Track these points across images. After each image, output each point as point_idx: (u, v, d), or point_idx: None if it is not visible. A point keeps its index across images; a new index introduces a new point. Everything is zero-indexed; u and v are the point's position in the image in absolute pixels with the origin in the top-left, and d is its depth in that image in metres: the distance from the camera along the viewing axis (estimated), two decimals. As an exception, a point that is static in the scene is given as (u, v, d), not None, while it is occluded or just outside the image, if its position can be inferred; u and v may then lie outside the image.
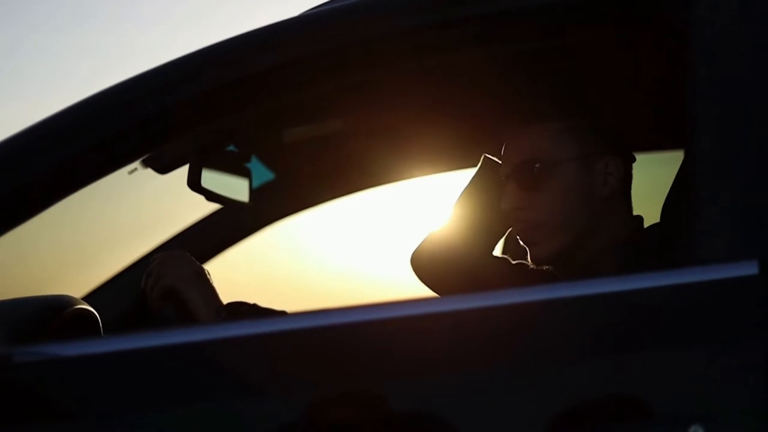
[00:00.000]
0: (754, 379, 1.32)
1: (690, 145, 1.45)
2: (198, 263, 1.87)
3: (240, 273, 3.11)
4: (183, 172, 2.21)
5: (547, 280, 1.89)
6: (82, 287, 2.69)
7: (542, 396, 1.37)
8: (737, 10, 1.48)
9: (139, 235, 2.91)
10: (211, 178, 2.20)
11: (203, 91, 1.58)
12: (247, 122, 2.27)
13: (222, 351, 1.45)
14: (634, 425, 1.36)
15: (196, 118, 1.64)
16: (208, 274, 1.87)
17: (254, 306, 1.81)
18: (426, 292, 2.09)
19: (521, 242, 1.88)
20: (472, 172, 2.11)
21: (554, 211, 1.82)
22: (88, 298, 2.65)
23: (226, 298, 1.94)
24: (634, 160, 1.91)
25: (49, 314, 1.69)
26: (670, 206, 1.80)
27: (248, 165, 2.37)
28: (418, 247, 2.09)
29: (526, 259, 1.93)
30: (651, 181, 2.13)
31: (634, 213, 1.91)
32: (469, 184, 2.05)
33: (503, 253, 2.28)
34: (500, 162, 1.94)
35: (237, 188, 2.32)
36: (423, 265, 2.08)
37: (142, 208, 3.01)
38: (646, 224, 1.89)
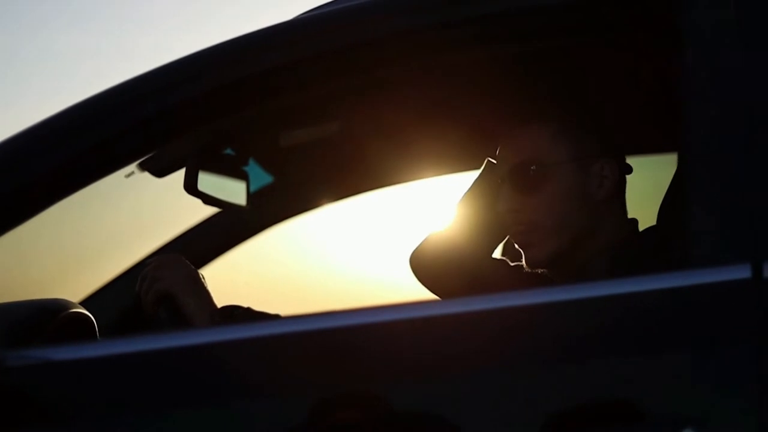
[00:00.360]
0: (746, 382, 1.32)
1: (684, 147, 1.45)
2: (192, 267, 1.87)
3: (239, 276, 3.11)
4: (181, 175, 2.21)
5: (543, 282, 1.89)
6: (81, 291, 2.69)
7: (535, 399, 1.37)
8: (733, 12, 1.48)
9: (138, 238, 2.91)
10: (208, 182, 2.20)
11: (203, 92, 1.59)
12: (246, 125, 2.27)
13: (216, 354, 1.45)
14: (626, 428, 1.35)
15: (196, 119, 1.65)
16: (203, 277, 1.87)
17: (248, 309, 1.81)
18: (422, 294, 2.09)
19: (516, 245, 1.88)
20: (470, 174, 2.11)
21: (550, 213, 1.82)
22: (86, 302, 2.66)
23: (225, 301, 1.94)
24: (629, 170, 1.91)
25: (43, 318, 1.69)
26: (666, 209, 1.79)
27: (246, 168, 2.37)
28: (417, 248, 2.09)
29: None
30: (649, 183, 2.13)
31: (633, 215, 1.91)
32: (471, 186, 2.05)
33: (503, 255, 2.28)
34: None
35: (234, 191, 2.31)
36: (422, 266, 2.08)
37: (140, 212, 3.01)
38: (643, 227, 1.88)
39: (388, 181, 2.71)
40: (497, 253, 2.22)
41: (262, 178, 2.66)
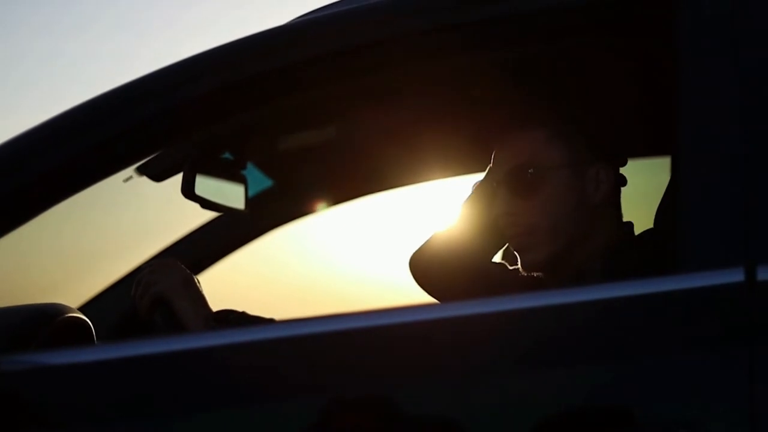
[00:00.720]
0: (739, 385, 1.31)
1: (677, 150, 1.45)
2: (187, 271, 1.87)
3: (240, 279, 3.11)
4: (179, 179, 2.21)
5: (539, 286, 1.89)
6: (80, 296, 2.70)
7: (530, 402, 1.37)
8: (726, 14, 1.48)
9: (137, 243, 2.91)
10: (205, 186, 2.20)
11: (203, 94, 1.60)
12: (246, 129, 2.27)
13: (211, 359, 1.45)
14: (620, 431, 1.35)
15: (195, 121, 1.65)
16: (198, 282, 1.87)
17: (243, 314, 1.81)
18: (419, 298, 2.09)
19: (512, 248, 1.87)
20: (469, 177, 2.11)
21: (546, 217, 1.82)
22: (86, 307, 2.66)
23: (226, 305, 1.94)
24: (624, 162, 1.90)
25: (39, 323, 1.69)
26: (663, 212, 1.79)
27: (244, 172, 2.37)
28: (417, 251, 2.09)
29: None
30: (650, 186, 2.13)
31: (632, 218, 1.91)
32: (473, 191, 2.05)
33: (503, 259, 2.27)
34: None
35: (232, 195, 2.32)
36: (421, 270, 2.08)
37: (138, 216, 3.01)
38: (642, 229, 1.88)
39: (386, 185, 2.71)
40: (497, 257, 2.22)
41: (260, 182, 2.66)
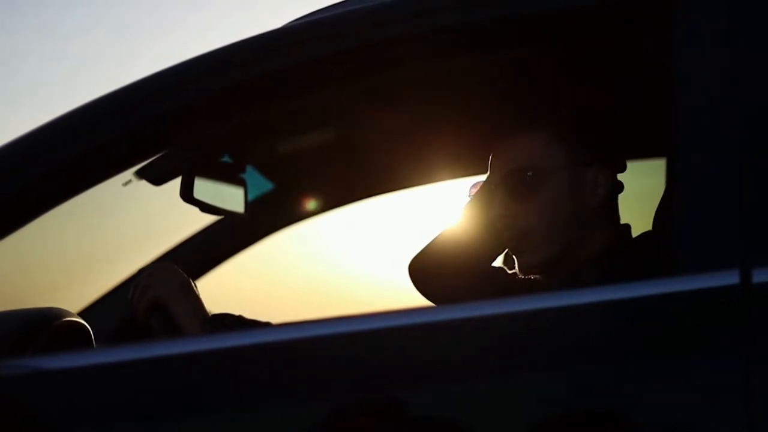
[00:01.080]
0: (734, 388, 1.31)
1: (672, 152, 1.45)
2: (184, 275, 1.87)
3: (240, 282, 3.11)
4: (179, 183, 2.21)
5: (536, 289, 1.89)
6: (81, 300, 2.70)
7: (524, 405, 1.37)
8: (723, 16, 1.48)
9: (138, 247, 2.92)
10: (204, 189, 2.20)
11: (202, 96, 1.60)
12: (245, 132, 2.28)
13: (207, 362, 1.45)
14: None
15: (196, 123, 1.65)
16: (195, 286, 1.87)
17: (239, 318, 1.81)
18: (414, 302, 2.09)
19: (509, 251, 1.87)
20: (468, 180, 2.11)
21: (543, 220, 1.81)
22: (88, 311, 2.67)
23: (226, 309, 1.94)
24: (623, 168, 1.90)
25: (37, 327, 1.69)
26: (661, 214, 1.79)
27: (243, 175, 2.37)
28: (417, 256, 2.09)
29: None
30: (649, 188, 2.13)
31: (634, 220, 1.90)
32: (472, 193, 2.05)
33: (504, 263, 2.27)
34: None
35: (231, 199, 2.32)
36: (421, 274, 2.08)
37: (138, 220, 3.01)
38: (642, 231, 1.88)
39: (386, 187, 2.71)
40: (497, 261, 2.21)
41: (260, 185, 2.66)
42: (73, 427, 1.44)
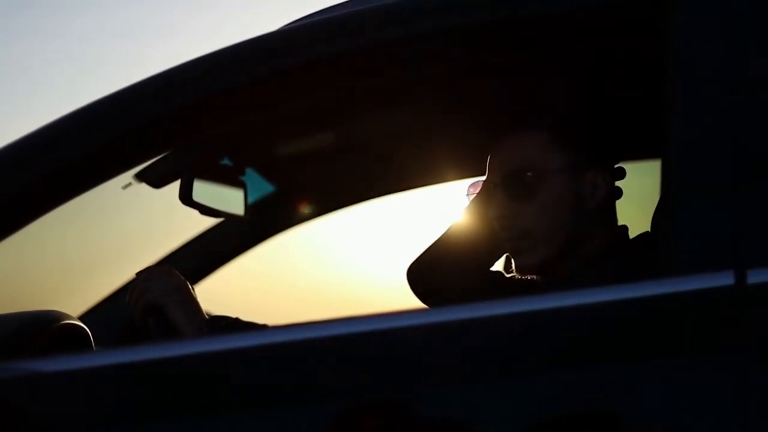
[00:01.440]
0: (729, 389, 1.31)
1: (667, 152, 1.45)
2: (182, 278, 1.87)
3: (240, 285, 3.11)
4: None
5: (534, 291, 1.89)
6: (82, 304, 2.70)
7: (523, 406, 1.37)
8: (717, 17, 1.47)
9: (139, 250, 2.92)
10: (203, 192, 2.21)
11: (201, 98, 1.60)
12: (244, 134, 2.28)
13: (204, 365, 1.45)
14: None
15: (195, 125, 1.66)
16: (192, 289, 1.88)
17: (236, 320, 1.81)
18: (411, 303, 2.08)
19: (507, 251, 1.87)
20: (466, 182, 2.10)
21: (541, 221, 1.81)
22: (90, 314, 2.67)
23: (227, 311, 1.94)
24: (623, 176, 1.90)
25: (35, 330, 1.69)
26: (658, 215, 1.79)
27: (243, 178, 2.37)
28: (415, 261, 2.08)
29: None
30: (652, 189, 2.12)
31: (635, 221, 1.90)
32: (474, 198, 2.04)
33: (505, 266, 2.27)
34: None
35: (231, 202, 2.32)
36: (419, 279, 2.07)
37: (140, 224, 3.02)
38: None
39: (385, 189, 2.71)
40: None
41: (261, 187, 2.67)
42: (71, 430, 1.44)
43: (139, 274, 1.89)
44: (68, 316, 1.82)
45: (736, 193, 1.40)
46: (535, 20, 1.61)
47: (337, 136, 2.43)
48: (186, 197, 2.15)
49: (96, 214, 2.60)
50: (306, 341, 1.44)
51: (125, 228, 3.04)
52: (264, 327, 1.69)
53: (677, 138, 1.45)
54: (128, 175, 2.24)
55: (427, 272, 2.06)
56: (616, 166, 1.90)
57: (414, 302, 2.08)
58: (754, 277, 1.34)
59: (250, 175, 2.47)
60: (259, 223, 2.77)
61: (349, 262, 3.94)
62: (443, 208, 2.68)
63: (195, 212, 2.23)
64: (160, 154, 2.00)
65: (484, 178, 1.97)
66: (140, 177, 2.28)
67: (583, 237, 1.82)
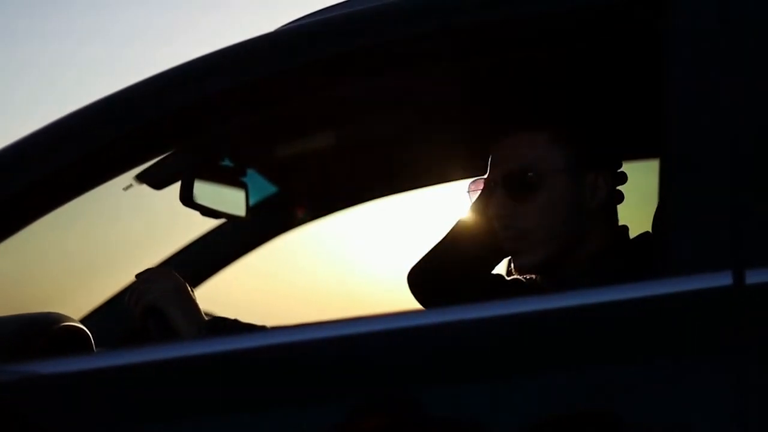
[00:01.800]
0: (727, 390, 1.31)
1: (665, 153, 1.45)
2: (181, 280, 1.87)
3: (241, 286, 3.11)
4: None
5: (534, 292, 1.88)
6: (84, 305, 2.70)
7: (521, 407, 1.36)
8: (715, 17, 1.47)
9: (141, 252, 2.92)
10: (204, 193, 2.21)
11: (199, 101, 1.60)
12: (244, 135, 2.28)
13: (203, 366, 1.45)
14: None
15: (195, 126, 1.66)
16: (192, 290, 1.88)
17: (235, 321, 1.81)
18: (409, 305, 2.08)
19: (506, 250, 1.87)
20: (468, 181, 2.10)
21: (541, 221, 1.81)
22: (92, 316, 2.67)
23: (229, 312, 1.94)
24: (624, 180, 1.89)
25: (34, 332, 1.69)
26: (659, 215, 1.79)
27: (244, 179, 2.37)
28: (416, 265, 2.08)
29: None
30: (652, 188, 2.12)
31: (637, 221, 1.90)
32: (475, 200, 2.04)
33: (507, 270, 2.27)
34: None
35: (232, 203, 2.32)
36: (420, 283, 2.07)
37: (141, 225, 3.02)
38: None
39: (387, 190, 2.71)
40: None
41: (262, 188, 2.67)
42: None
43: (138, 275, 1.89)
44: (68, 318, 1.82)
45: (734, 194, 1.39)
46: (535, 20, 1.60)
47: (337, 137, 2.43)
48: (187, 198, 2.15)
49: (97, 216, 2.60)
50: (305, 343, 1.44)
51: (126, 229, 3.04)
52: (263, 328, 1.69)
53: (675, 138, 1.44)
54: (129, 177, 2.24)
55: (427, 277, 2.05)
56: (618, 170, 1.89)
57: (413, 304, 2.07)
58: (753, 277, 1.34)
59: (251, 177, 2.47)
60: (260, 225, 2.77)
61: (350, 263, 3.95)
62: (445, 208, 2.68)
63: (196, 213, 2.23)
64: (160, 155, 2.01)
65: (485, 176, 1.96)
66: (141, 178, 2.29)
67: (582, 237, 1.82)
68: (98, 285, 2.72)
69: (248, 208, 2.36)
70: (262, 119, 2.12)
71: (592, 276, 1.73)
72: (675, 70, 1.47)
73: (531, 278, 1.89)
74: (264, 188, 2.69)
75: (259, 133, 2.32)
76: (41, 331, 1.71)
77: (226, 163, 2.34)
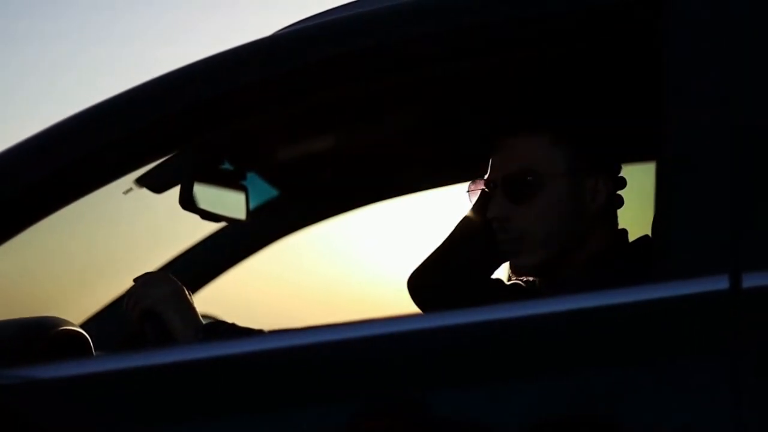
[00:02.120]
0: (723, 394, 1.30)
1: (661, 156, 1.44)
2: (179, 284, 1.87)
3: (241, 288, 3.12)
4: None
5: (532, 296, 1.88)
6: (84, 309, 2.71)
7: (516, 412, 1.36)
8: (710, 18, 1.47)
9: (142, 256, 2.92)
10: (204, 197, 2.21)
11: (198, 103, 1.60)
12: (243, 139, 2.28)
13: (200, 371, 1.45)
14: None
15: (194, 129, 1.65)
16: (189, 294, 1.88)
17: (232, 325, 1.81)
18: (408, 309, 2.08)
19: (503, 252, 1.86)
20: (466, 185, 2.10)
21: (539, 224, 1.80)
22: (92, 321, 2.68)
23: (229, 314, 1.94)
24: (624, 185, 1.89)
25: (32, 336, 1.69)
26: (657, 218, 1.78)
27: (244, 182, 2.37)
28: (415, 270, 2.07)
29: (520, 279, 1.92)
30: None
31: (639, 223, 1.89)
32: (475, 202, 2.03)
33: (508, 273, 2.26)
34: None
35: (231, 206, 2.31)
36: (420, 289, 2.06)
37: (142, 229, 3.02)
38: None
39: (387, 194, 2.71)
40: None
41: (262, 192, 2.67)
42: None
43: (136, 279, 1.90)
44: (67, 322, 1.83)
45: (731, 197, 1.39)
46: (534, 21, 1.60)
47: (337, 140, 2.43)
48: (186, 202, 2.15)
49: (97, 219, 2.60)
50: (302, 347, 1.44)
51: (126, 233, 3.04)
52: (260, 332, 1.69)
53: (672, 140, 1.44)
54: (129, 180, 2.24)
55: (427, 283, 2.05)
56: (619, 175, 1.89)
57: (411, 308, 2.07)
58: (749, 281, 1.33)
59: (252, 180, 2.46)
60: (260, 229, 2.77)
61: (350, 266, 3.95)
62: (447, 211, 2.68)
63: (196, 217, 2.23)
64: (160, 157, 2.01)
65: (485, 177, 1.96)
66: (141, 182, 2.29)
67: (581, 241, 1.81)
68: (98, 288, 2.72)
69: (248, 211, 2.36)
70: (263, 122, 2.12)
71: (590, 279, 1.73)
72: (673, 71, 1.46)
73: (530, 282, 1.89)
74: (264, 192, 2.69)
75: (259, 135, 2.32)
76: (40, 335, 1.71)
77: (226, 166, 2.34)
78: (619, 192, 1.88)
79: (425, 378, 1.40)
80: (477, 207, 1.99)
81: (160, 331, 1.79)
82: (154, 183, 2.30)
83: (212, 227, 2.75)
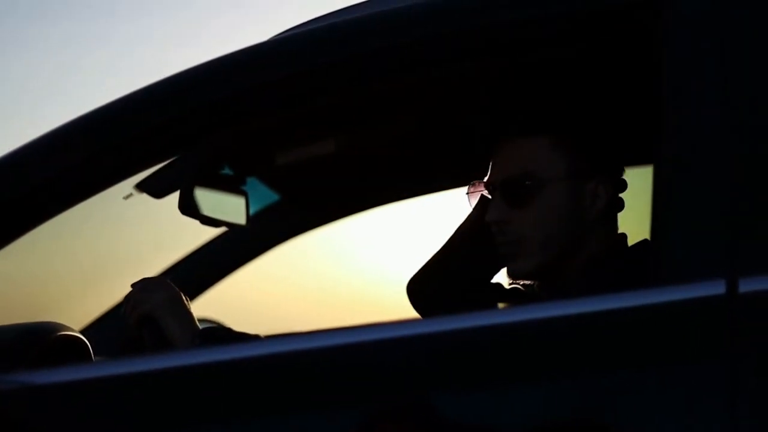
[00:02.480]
0: (719, 399, 1.30)
1: (659, 159, 1.44)
2: (176, 289, 1.88)
3: (242, 292, 3.12)
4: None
5: (531, 300, 1.88)
6: (85, 313, 2.71)
7: (514, 416, 1.36)
8: (710, 18, 1.47)
9: (142, 261, 2.92)
10: (204, 202, 2.21)
11: (197, 106, 1.61)
12: (242, 143, 2.28)
13: (196, 376, 1.46)
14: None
15: (195, 132, 1.66)
16: (187, 300, 1.88)
17: (229, 331, 1.81)
18: (408, 314, 2.08)
19: (500, 255, 1.86)
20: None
21: (538, 228, 1.80)
22: (93, 326, 2.68)
23: (229, 318, 1.94)
24: (625, 188, 1.89)
25: (31, 341, 1.69)
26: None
27: (244, 187, 2.37)
28: (415, 275, 2.08)
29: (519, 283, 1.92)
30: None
31: (641, 226, 1.89)
32: (474, 206, 2.04)
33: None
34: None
35: (231, 211, 2.31)
36: (420, 294, 2.06)
37: (142, 234, 3.02)
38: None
39: (387, 198, 2.71)
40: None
41: (263, 197, 2.67)
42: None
43: (134, 285, 1.90)
44: (66, 327, 1.83)
45: (729, 201, 1.39)
46: (533, 23, 1.60)
47: (337, 144, 2.43)
48: (186, 207, 2.15)
49: (96, 225, 2.60)
50: (299, 352, 1.44)
51: (126, 238, 3.04)
52: (256, 337, 1.69)
53: (670, 143, 1.44)
54: (129, 185, 2.24)
55: (426, 289, 2.05)
56: (620, 177, 1.89)
57: (411, 312, 2.07)
58: (746, 286, 1.33)
59: (252, 185, 2.47)
60: (260, 234, 2.77)
61: (350, 270, 3.95)
62: (447, 215, 2.68)
63: (196, 222, 2.23)
64: (161, 161, 2.01)
65: (485, 179, 1.96)
66: (141, 187, 2.29)
67: (580, 245, 1.81)
68: (98, 294, 2.72)
69: (249, 216, 2.36)
70: (263, 126, 2.12)
71: (589, 284, 1.72)
72: (671, 73, 1.46)
73: (529, 286, 1.89)
74: (265, 196, 2.69)
75: (259, 139, 2.32)
76: (39, 341, 1.71)
77: (227, 171, 2.34)
78: (620, 195, 1.88)
79: (423, 384, 1.41)
80: (476, 211, 1.99)
81: (158, 337, 1.79)
82: (154, 188, 2.30)
83: (212, 232, 2.75)
